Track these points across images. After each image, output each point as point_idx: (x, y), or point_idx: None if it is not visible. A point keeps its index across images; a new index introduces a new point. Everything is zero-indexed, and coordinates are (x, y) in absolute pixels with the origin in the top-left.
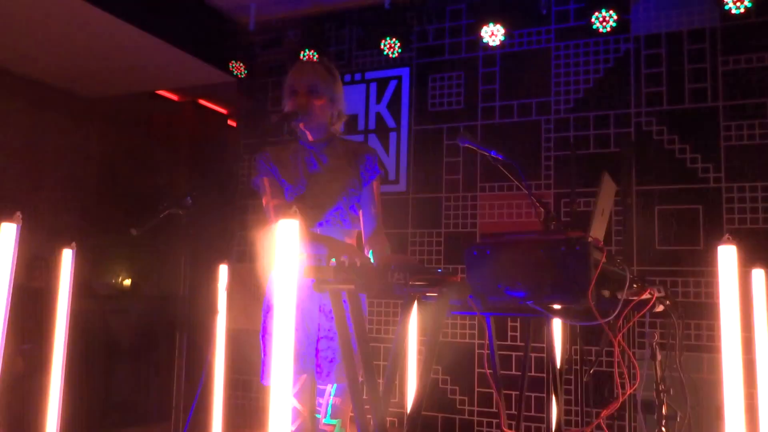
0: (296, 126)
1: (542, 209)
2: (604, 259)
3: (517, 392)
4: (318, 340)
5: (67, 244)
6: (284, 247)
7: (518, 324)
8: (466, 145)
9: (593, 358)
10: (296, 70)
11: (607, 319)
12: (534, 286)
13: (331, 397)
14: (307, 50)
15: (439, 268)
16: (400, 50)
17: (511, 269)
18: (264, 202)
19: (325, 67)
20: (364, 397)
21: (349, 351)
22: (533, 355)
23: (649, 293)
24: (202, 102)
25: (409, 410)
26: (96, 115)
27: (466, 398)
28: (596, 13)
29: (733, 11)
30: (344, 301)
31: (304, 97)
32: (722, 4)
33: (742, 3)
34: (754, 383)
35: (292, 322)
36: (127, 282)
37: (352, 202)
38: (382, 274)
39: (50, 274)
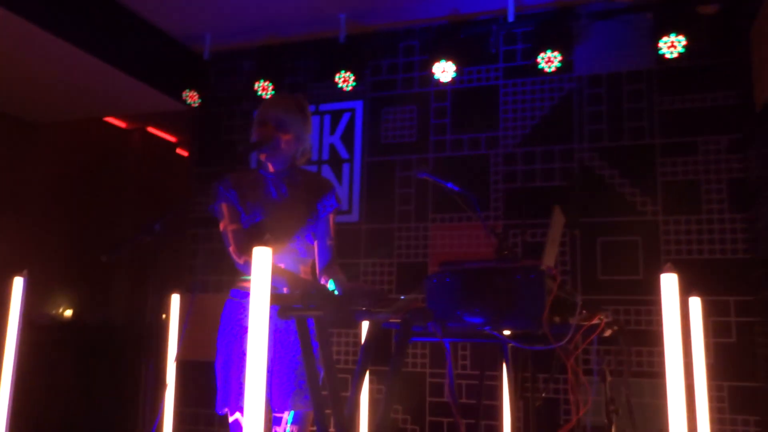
0: (259, 156)
1: (496, 239)
2: (556, 287)
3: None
4: (273, 367)
5: (18, 272)
6: (257, 275)
7: (468, 352)
8: (424, 177)
9: (542, 385)
10: (269, 102)
11: (560, 343)
12: (491, 313)
13: (288, 425)
14: (262, 81)
15: (402, 296)
16: (354, 83)
17: (469, 296)
18: (221, 227)
19: (297, 104)
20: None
21: (315, 379)
22: (477, 382)
23: (599, 318)
24: (151, 130)
25: None
26: (42, 141)
27: (417, 428)
28: (542, 54)
29: (667, 56)
30: (310, 330)
31: (272, 131)
32: (657, 48)
33: (675, 48)
34: (693, 407)
35: (265, 350)
36: (68, 312)
37: (308, 231)
38: (348, 301)
39: None
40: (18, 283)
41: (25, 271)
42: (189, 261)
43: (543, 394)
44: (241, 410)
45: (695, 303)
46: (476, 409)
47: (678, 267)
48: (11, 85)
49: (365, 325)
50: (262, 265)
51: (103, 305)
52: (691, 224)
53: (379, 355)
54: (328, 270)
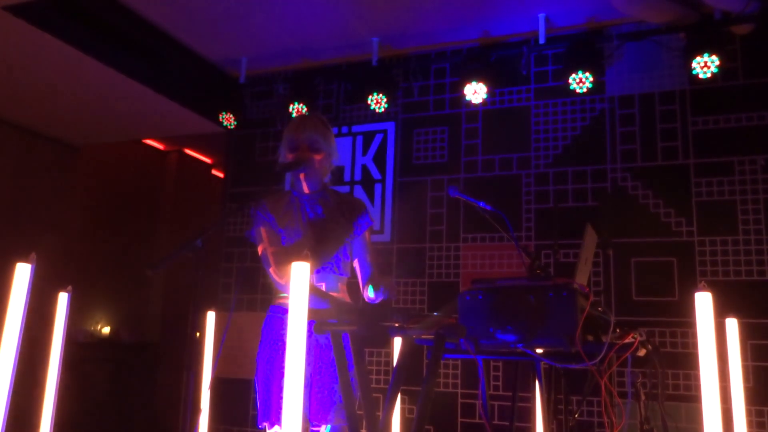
0: (296, 176)
1: (529, 258)
2: (589, 305)
3: None
4: (313, 381)
5: (62, 288)
6: (296, 289)
7: (500, 373)
8: (457, 195)
9: (574, 407)
10: (297, 125)
11: (593, 361)
12: (524, 330)
13: None
14: (296, 103)
15: (435, 312)
16: (386, 105)
17: (502, 314)
18: (260, 250)
19: (322, 122)
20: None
21: (350, 394)
22: (509, 404)
23: (632, 337)
24: (188, 151)
25: None
26: (83, 163)
27: None
28: (573, 75)
29: (701, 76)
30: (345, 344)
31: (306, 152)
32: (690, 69)
33: (708, 69)
34: (731, 428)
35: (303, 363)
36: (106, 329)
37: (345, 250)
38: (382, 317)
39: (36, 319)
40: (63, 298)
41: (69, 287)
42: (223, 279)
43: (576, 416)
44: (280, 423)
45: (732, 324)
46: (508, 431)
47: (715, 288)
48: (55, 109)
49: (397, 345)
50: (300, 279)
51: (139, 322)
52: (728, 245)
53: (410, 375)
54: (371, 281)
